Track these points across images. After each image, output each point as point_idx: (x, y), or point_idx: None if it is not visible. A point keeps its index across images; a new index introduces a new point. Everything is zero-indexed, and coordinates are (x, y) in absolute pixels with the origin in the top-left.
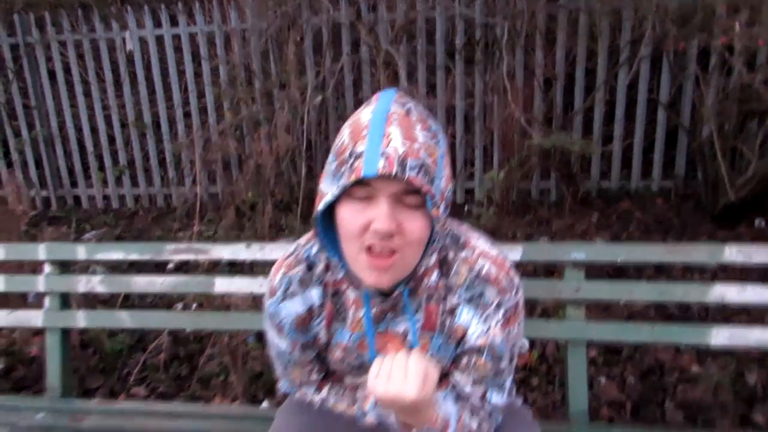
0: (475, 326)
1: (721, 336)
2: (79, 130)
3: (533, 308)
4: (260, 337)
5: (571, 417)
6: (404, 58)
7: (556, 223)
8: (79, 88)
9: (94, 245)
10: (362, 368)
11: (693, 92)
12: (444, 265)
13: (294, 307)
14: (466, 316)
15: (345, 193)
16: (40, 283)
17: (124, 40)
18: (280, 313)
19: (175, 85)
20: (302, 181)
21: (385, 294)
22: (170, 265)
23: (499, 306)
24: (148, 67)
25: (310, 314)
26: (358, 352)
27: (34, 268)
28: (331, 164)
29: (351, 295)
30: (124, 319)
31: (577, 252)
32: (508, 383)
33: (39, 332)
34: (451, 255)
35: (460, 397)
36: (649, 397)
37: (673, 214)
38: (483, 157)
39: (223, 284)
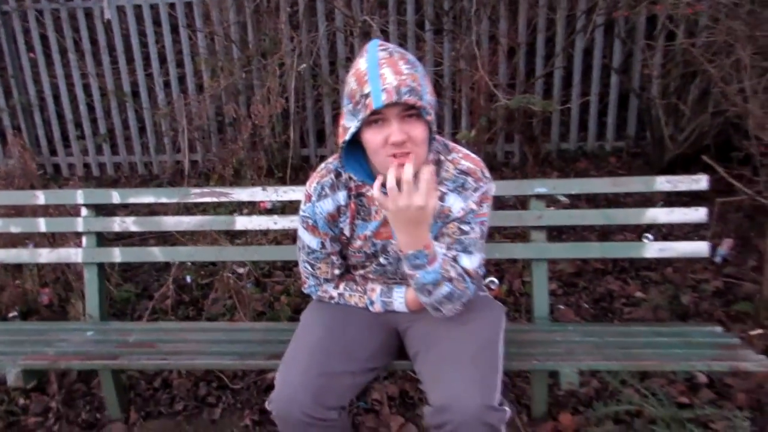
0: (457, 204)
1: (653, 249)
2: (57, 98)
3: (504, 234)
4: (257, 283)
5: (535, 320)
6: (378, 29)
7: None
8: (57, 57)
9: (126, 190)
10: (374, 256)
11: (642, 58)
12: (437, 164)
13: (326, 206)
14: (451, 200)
15: (365, 124)
16: (78, 224)
17: (102, 9)
18: (315, 213)
19: (153, 54)
20: (292, 144)
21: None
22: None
23: (475, 190)
24: (126, 36)
25: (338, 212)
26: (373, 241)
27: (47, 212)
28: (347, 106)
29: (370, 193)
30: (156, 253)
31: (540, 186)
32: (475, 253)
33: (46, 284)
34: (442, 157)
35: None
36: (600, 318)
37: (625, 170)
38: (452, 122)
39: (243, 222)
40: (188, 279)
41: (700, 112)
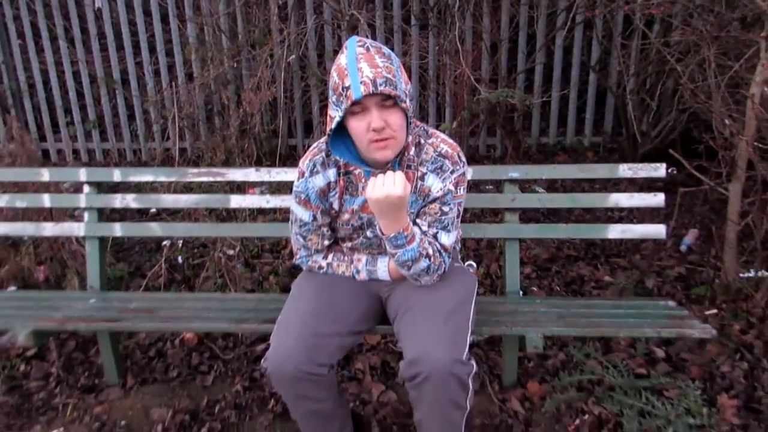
0: (436, 185)
1: (615, 231)
2: (47, 84)
3: (481, 215)
4: (247, 263)
5: (507, 294)
6: (365, 23)
7: None
8: (47, 44)
9: (127, 169)
10: (361, 229)
11: (618, 56)
12: (418, 147)
13: (317, 182)
14: (431, 180)
15: (348, 113)
16: (81, 200)
17: None
18: (307, 188)
19: (144, 42)
20: (281, 133)
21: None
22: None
23: (452, 172)
24: (116, 24)
25: (328, 187)
26: (360, 215)
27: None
28: (331, 98)
29: (357, 171)
30: (155, 228)
31: (513, 171)
32: (452, 231)
33: (42, 262)
34: (422, 141)
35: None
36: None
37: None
38: (436, 115)
39: (237, 200)
40: (180, 259)
41: (671, 108)
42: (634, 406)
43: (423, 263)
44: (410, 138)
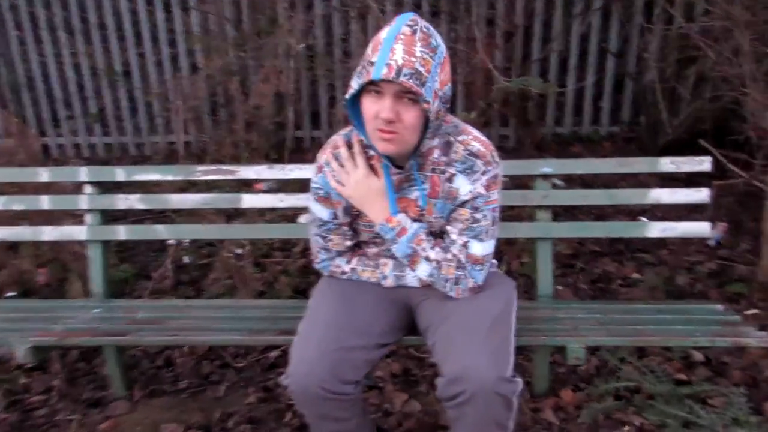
0: (465, 186)
1: (655, 229)
2: (46, 77)
3: (509, 212)
4: (256, 263)
5: (539, 298)
6: (377, 9)
7: None
8: (46, 35)
9: (131, 168)
10: None
11: (639, 42)
12: (446, 146)
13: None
14: (460, 181)
15: (365, 89)
16: (82, 201)
17: None
18: (326, 182)
19: (146, 32)
20: (290, 125)
21: (400, 167)
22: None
23: (484, 173)
24: (117, 14)
25: None
26: None
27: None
28: (358, 66)
29: (378, 166)
30: (160, 231)
31: (545, 166)
32: (487, 240)
33: (43, 264)
34: (452, 139)
35: (437, 237)
36: (599, 298)
37: (619, 155)
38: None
39: (249, 200)
40: (186, 259)
41: (696, 96)
42: (677, 416)
43: (424, 266)
44: (436, 141)
